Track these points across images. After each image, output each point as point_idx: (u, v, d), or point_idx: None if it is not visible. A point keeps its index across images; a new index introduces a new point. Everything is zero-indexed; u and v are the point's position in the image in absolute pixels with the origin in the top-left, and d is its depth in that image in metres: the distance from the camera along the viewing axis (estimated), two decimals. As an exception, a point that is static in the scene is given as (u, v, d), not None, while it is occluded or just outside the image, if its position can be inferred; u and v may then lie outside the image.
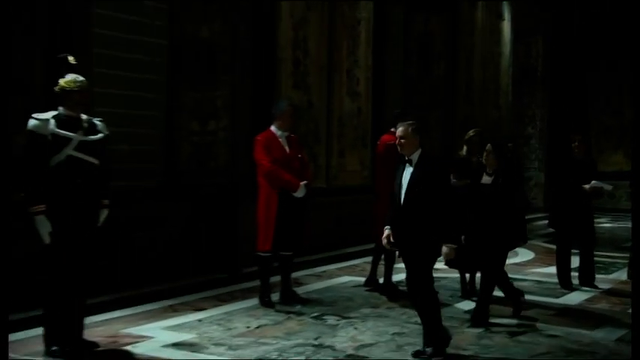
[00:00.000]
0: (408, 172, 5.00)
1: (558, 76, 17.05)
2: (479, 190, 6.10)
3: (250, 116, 8.43)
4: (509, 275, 6.99)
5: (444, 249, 4.95)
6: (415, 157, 5.00)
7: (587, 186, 7.53)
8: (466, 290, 7.12)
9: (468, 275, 7.21)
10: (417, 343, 5.44)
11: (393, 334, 5.77)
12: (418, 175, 4.94)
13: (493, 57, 14.63)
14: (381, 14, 11.20)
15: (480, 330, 5.92)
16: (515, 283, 8.01)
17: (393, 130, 7.25)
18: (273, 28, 9.03)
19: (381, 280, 7.47)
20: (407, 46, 12.26)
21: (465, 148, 7.40)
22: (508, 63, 15.38)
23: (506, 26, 15.13)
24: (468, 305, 6.69)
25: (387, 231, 5.13)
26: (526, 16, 16.01)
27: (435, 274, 6.94)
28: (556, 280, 7.83)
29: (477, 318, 6.05)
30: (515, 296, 6.47)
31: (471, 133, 7.48)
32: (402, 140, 5.02)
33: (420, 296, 5.02)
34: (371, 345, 5.43)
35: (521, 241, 6.65)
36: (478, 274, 6.87)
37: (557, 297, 7.38)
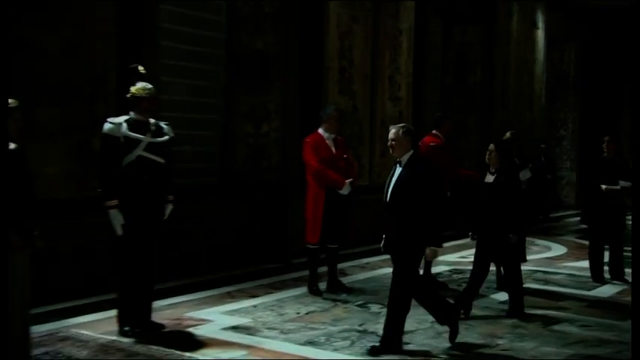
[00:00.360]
0: (397, 172, 4.90)
1: (590, 80, 16.70)
2: (482, 188, 5.92)
3: (300, 119, 8.44)
4: (543, 269, 6.98)
5: (427, 251, 4.88)
6: (405, 158, 4.88)
7: (603, 186, 7.43)
8: (501, 282, 7.08)
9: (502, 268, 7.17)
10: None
11: (432, 322, 5.62)
12: (405, 175, 4.83)
13: (527, 64, 14.39)
14: (422, 25, 11.10)
15: (515, 320, 5.86)
16: (548, 277, 7.98)
17: (434, 132, 7.32)
18: (321, 39, 9.01)
19: (421, 272, 7.46)
20: (445, 55, 12.15)
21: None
22: (542, 69, 15.12)
23: (541, 34, 14.87)
24: (503, 296, 6.64)
25: None
26: (559, 25, 15.73)
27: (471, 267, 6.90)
28: (588, 273, 7.70)
29: (513, 309, 5.96)
30: (517, 298, 6.12)
31: (507, 134, 7.44)
32: (393, 142, 4.91)
33: (399, 292, 4.89)
34: (412, 332, 5.39)
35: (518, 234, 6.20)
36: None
37: (589, 290, 7.28)
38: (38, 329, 4.88)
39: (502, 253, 5.95)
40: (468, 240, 10.22)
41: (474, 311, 5.94)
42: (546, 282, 7.68)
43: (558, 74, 16.78)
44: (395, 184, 4.86)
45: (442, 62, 12.03)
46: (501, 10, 13.27)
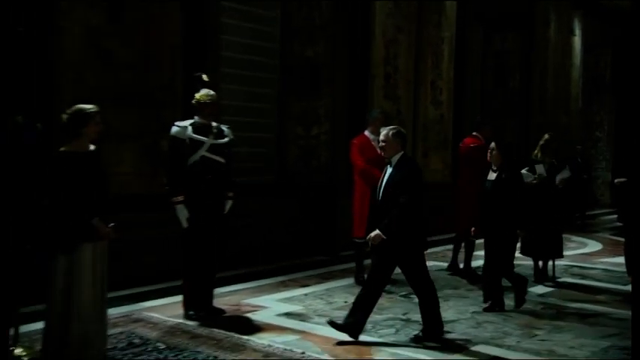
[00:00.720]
0: (388, 172, 4.81)
1: (625, 83, 16.25)
2: (484, 185, 5.73)
3: (347, 122, 8.48)
4: (579, 264, 6.86)
5: (372, 233, 4.70)
6: (395, 159, 4.78)
7: (616, 180, 7.31)
8: (539, 276, 7.00)
9: (540, 262, 7.08)
10: (496, 321, 5.39)
11: (473, 312, 5.68)
12: (395, 175, 4.73)
13: (564, 68, 14.10)
14: (463, 33, 11.00)
15: (553, 311, 5.80)
16: (585, 271, 7.82)
17: (474, 134, 7.27)
18: (367, 48, 9.01)
19: (462, 266, 7.39)
20: (485, 61, 12.03)
21: (538, 150, 7.24)
22: (578, 73, 14.80)
23: (577, 41, 14.55)
24: (542, 289, 6.58)
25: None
26: (596, 31, 15.36)
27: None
28: (623, 269, 7.50)
29: (494, 303, 5.70)
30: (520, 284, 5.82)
31: (546, 136, 7.33)
32: (384, 144, 4.82)
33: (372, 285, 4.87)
34: (453, 321, 5.36)
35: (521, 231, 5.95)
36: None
37: (625, 284, 7.10)
38: (114, 311, 5.02)
39: (545, 248, 5.84)
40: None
41: (511, 302, 5.86)
42: (583, 277, 7.53)
43: (594, 78, 16.40)
44: (386, 184, 4.77)
45: (482, 68, 11.90)
46: (539, 19, 13.05)
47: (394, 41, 9.41)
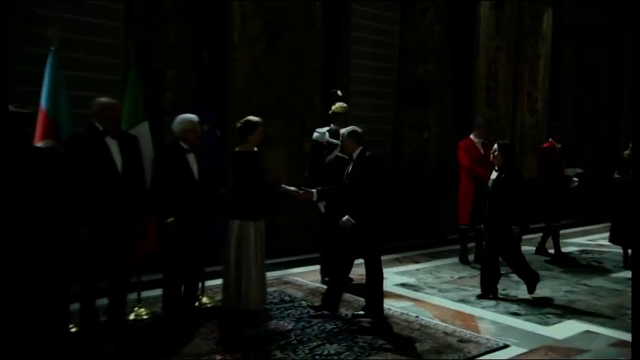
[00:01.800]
0: (350, 166, 4.46)
1: None
2: (486, 184, 5.14)
3: (453, 128, 8.31)
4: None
5: (344, 218, 4.29)
6: (355, 154, 4.42)
7: None
8: (627, 262, 6.52)
9: (629, 250, 6.59)
10: (588, 300, 5.10)
11: (566, 291, 5.40)
12: (354, 168, 4.40)
13: None
14: (557, 50, 10.40)
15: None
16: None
17: (550, 140, 6.99)
18: (471, 65, 8.77)
19: (551, 251, 7.05)
20: (578, 73, 11.29)
21: (629, 148, 6.73)
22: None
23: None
24: (629, 274, 6.13)
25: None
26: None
27: (600, 249, 6.45)
28: None
29: (487, 290, 5.16)
30: (529, 277, 5.24)
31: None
32: (342, 142, 4.54)
33: (372, 269, 4.45)
34: (547, 298, 5.15)
35: (523, 229, 5.30)
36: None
37: None
38: (270, 275, 5.20)
39: (626, 236, 5.26)
40: (594, 226, 9.55)
41: (605, 283, 5.47)
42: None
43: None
44: (348, 177, 4.44)
45: (575, 79, 11.15)
46: (627, 34, 12.03)
47: (495, 59, 9.11)
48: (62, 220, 3.58)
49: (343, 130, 4.54)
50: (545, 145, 7.06)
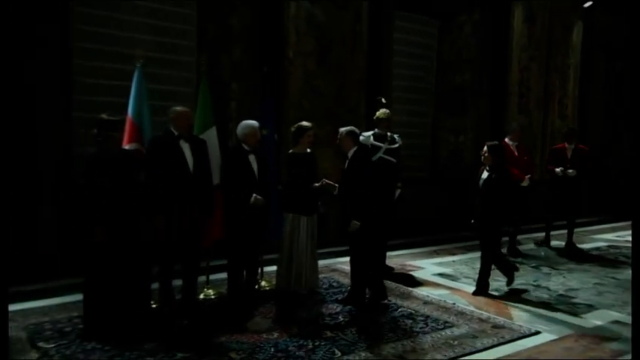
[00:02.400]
0: (346, 163, 4.30)
1: None
2: (478, 183, 4.83)
3: (489, 132, 8.12)
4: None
5: (352, 224, 4.10)
6: (350, 153, 4.27)
7: None
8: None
9: None
10: (616, 292, 4.89)
11: (595, 284, 5.21)
12: (348, 165, 4.25)
13: None
14: (587, 59, 9.96)
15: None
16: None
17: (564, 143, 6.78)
18: (505, 74, 8.53)
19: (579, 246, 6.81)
20: (607, 81, 10.78)
21: None
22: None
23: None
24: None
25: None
26: None
27: (627, 244, 6.05)
28: None
29: (479, 288, 4.82)
30: (508, 270, 4.95)
31: None
32: (339, 141, 4.35)
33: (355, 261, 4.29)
34: (577, 290, 4.98)
35: (511, 226, 4.99)
36: None
37: None
38: (320, 263, 5.15)
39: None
40: (622, 223, 9.12)
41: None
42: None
43: None
44: (345, 172, 4.29)
45: (604, 87, 10.65)
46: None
47: (527, 68, 8.82)
48: (143, 210, 3.74)
49: (342, 130, 4.37)
50: (555, 147, 6.91)
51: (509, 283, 4.94)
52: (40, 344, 3.44)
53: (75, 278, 4.20)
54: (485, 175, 4.80)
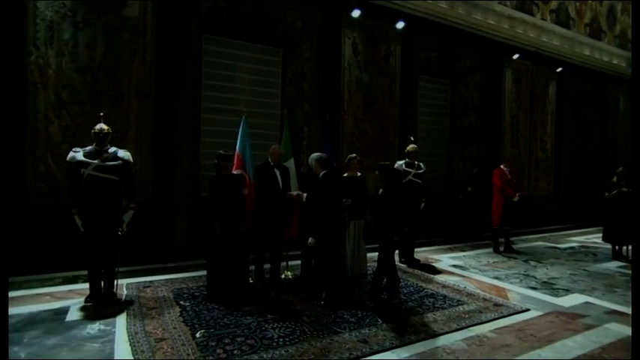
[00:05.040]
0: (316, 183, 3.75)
1: None
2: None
3: (488, 160, 7.87)
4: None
5: (309, 241, 3.56)
6: (320, 174, 3.68)
7: None
8: (614, 255, 5.64)
9: (617, 247, 5.66)
10: (587, 280, 4.66)
11: (570, 274, 4.98)
12: (317, 184, 3.68)
13: (629, 130, 11.08)
14: (560, 109, 9.47)
15: (627, 278, 4.72)
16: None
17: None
18: (500, 119, 8.29)
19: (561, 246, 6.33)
20: (574, 125, 10.05)
21: (615, 177, 5.82)
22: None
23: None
24: (618, 264, 5.38)
25: None
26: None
27: (594, 245, 5.55)
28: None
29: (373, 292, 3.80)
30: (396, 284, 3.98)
31: (620, 169, 5.92)
32: (313, 165, 3.76)
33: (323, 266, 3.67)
34: (557, 278, 4.78)
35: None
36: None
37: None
38: (367, 255, 5.05)
39: (620, 235, 4.49)
40: (590, 229, 8.44)
41: (598, 269, 4.83)
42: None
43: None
44: (314, 189, 3.74)
45: (572, 130, 9.98)
46: (611, 98, 10.57)
47: (516, 114, 8.54)
48: (244, 216, 3.85)
49: (313, 156, 3.81)
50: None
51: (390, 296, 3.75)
52: (180, 302, 3.65)
53: (201, 260, 4.55)
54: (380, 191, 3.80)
